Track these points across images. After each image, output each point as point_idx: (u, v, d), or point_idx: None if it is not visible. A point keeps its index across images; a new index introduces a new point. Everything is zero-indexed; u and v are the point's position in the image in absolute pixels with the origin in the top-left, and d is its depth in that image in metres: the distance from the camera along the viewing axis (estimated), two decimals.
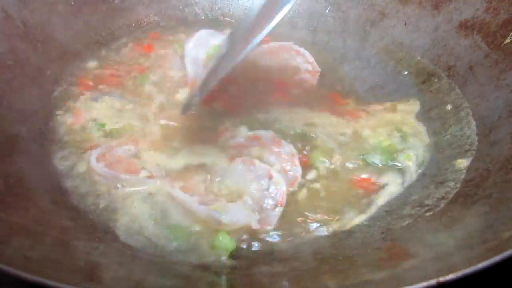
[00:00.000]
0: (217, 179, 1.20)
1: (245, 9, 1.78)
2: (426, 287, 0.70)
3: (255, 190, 1.16)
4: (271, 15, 1.05)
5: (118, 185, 1.17)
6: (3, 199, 1.02)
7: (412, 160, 1.28)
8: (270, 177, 1.17)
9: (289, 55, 1.60)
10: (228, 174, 1.21)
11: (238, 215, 1.10)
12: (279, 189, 1.16)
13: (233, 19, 1.78)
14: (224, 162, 1.24)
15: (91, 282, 0.84)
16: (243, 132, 1.31)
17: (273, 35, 1.74)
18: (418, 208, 1.15)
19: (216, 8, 1.77)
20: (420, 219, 1.11)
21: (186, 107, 1.28)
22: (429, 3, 1.57)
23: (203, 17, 1.75)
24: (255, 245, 1.09)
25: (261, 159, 1.23)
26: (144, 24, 1.69)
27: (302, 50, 1.60)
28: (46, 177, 1.18)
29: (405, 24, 1.62)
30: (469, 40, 1.45)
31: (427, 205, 1.15)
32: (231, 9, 1.78)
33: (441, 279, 0.69)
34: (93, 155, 1.22)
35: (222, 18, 1.77)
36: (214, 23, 1.75)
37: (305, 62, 1.59)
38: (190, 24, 1.72)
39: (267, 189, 1.16)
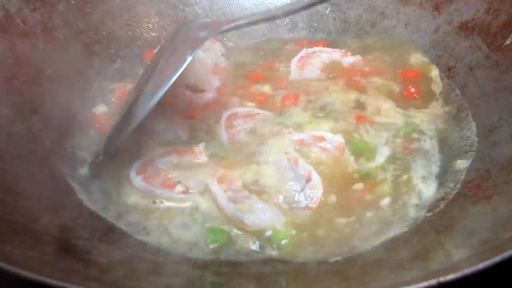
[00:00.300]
0: (257, 173, 1.20)
1: (246, 9, 1.78)
2: (426, 287, 0.70)
3: (290, 189, 1.16)
4: (175, 68, 1.12)
5: (157, 200, 1.17)
6: (3, 198, 1.02)
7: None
8: (309, 179, 1.17)
9: (320, 57, 1.62)
10: (271, 168, 1.20)
11: (262, 216, 1.10)
12: (315, 193, 1.15)
13: (233, 20, 1.77)
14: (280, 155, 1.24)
15: (91, 282, 0.84)
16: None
17: (274, 35, 1.76)
18: (417, 210, 1.15)
19: (217, 8, 1.76)
20: (419, 220, 1.11)
21: (92, 168, 1.25)
22: (430, 4, 1.57)
23: (203, 17, 1.75)
24: (257, 244, 1.09)
25: (317, 160, 1.24)
26: (144, 23, 1.69)
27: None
28: (46, 177, 1.18)
29: (406, 25, 1.63)
30: (470, 41, 1.45)
31: (427, 206, 1.15)
32: (232, 9, 1.77)
33: (442, 279, 0.69)
34: (134, 167, 1.22)
35: (223, 18, 1.77)
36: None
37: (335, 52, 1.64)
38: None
39: (302, 191, 1.16)
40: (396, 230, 1.09)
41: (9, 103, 1.24)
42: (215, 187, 1.15)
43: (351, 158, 1.25)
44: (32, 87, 1.33)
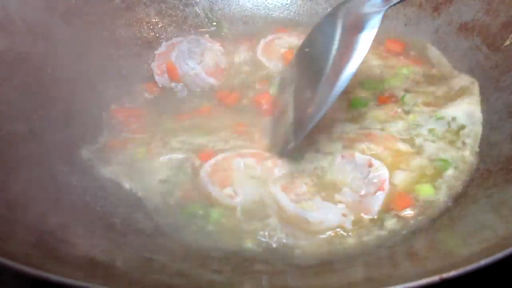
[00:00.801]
0: (317, 176, 1.20)
1: (246, 9, 1.78)
2: (428, 283, 0.70)
3: (354, 179, 1.15)
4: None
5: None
6: (3, 197, 1.02)
7: None
8: (370, 165, 1.15)
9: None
10: (329, 170, 1.20)
11: (328, 214, 1.08)
12: (380, 175, 1.14)
13: (233, 20, 1.78)
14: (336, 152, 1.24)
15: (93, 279, 0.84)
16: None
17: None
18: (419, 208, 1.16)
19: (217, 9, 1.77)
20: (421, 219, 1.11)
21: (281, 153, 1.23)
22: (429, 5, 1.58)
23: (203, 17, 1.75)
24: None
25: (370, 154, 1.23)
26: (144, 24, 1.69)
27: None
28: (47, 176, 1.18)
29: (405, 25, 1.63)
30: (469, 42, 1.46)
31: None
32: (232, 9, 1.78)
33: (444, 275, 0.69)
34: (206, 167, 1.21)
35: (223, 18, 1.77)
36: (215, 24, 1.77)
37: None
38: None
39: (367, 177, 1.14)
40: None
41: (9, 102, 1.24)
42: (277, 191, 1.14)
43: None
44: (32, 86, 1.33)
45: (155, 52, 1.59)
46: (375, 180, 1.13)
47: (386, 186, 1.12)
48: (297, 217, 1.08)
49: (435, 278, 0.69)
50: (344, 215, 1.09)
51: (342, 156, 1.20)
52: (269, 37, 1.65)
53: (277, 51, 1.62)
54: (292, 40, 1.64)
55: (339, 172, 1.18)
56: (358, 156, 1.18)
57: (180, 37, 1.62)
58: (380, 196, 1.11)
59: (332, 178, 1.18)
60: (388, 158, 1.21)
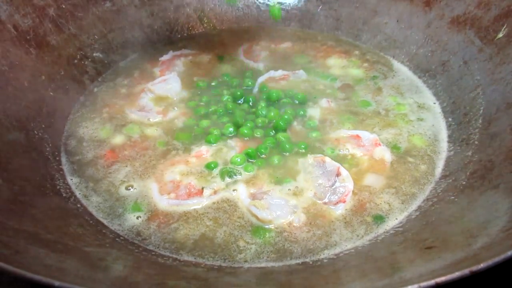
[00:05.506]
0: (282, 171, 1.23)
1: (237, 9, 1.78)
2: (459, 277, 0.70)
3: (320, 186, 1.18)
4: None
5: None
6: (10, 207, 0.99)
7: None
8: (338, 174, 1.18)
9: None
10: (301, 168, 1.23)
11: (278, 212, 1.12)
12: (346, 186, 1.17)
13: (225, 20, 1.77)
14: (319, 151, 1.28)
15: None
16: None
17: (267, 35, 1.76)
18: (425, 201, 1.17)
19: (208, 9, 1.76)
20: (428, 212, 1.12)
21: None
22: (421, 0, 1.59)
23: (195, 19, 1.74)
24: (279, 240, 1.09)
25: (353, 156, 1.27)
26: (136, 26, 1.67)
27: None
28: (49, 185, 1.16)
29: (398, 21, 1.64)
30: (462, 35, 1.47)
31: (434, 198, 1.16)
32: (223, 10, 1.77)
33: (474, 268, 0.70)
34: (154, 189, 1.20)
35: (214, 19, 1.76)
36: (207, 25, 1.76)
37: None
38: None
39: (332, 185, 1.17)
40: (403, 222, 1.12)
41: (5, 111, 1.21)
42: (241, 186, 1.19)
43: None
44: (28, 93, 1.30)
45: (160, 58, 1.59)
46: (339, 190, 1.17)
47: (348, 198, 1.16)
48: (250, 211, 1.13)
49: (465, 271, 0.69)
50: (294, 212, 1.13)
51: (314, 158, 1.23)
52: None
53: None
54: None
55: (308, 173, 1.21)
56: (328, 161, 1.21)
57: (187, 49, 1.64)
58: (341, 207, 1.14)
59: (301, 176, 1.22)
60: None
